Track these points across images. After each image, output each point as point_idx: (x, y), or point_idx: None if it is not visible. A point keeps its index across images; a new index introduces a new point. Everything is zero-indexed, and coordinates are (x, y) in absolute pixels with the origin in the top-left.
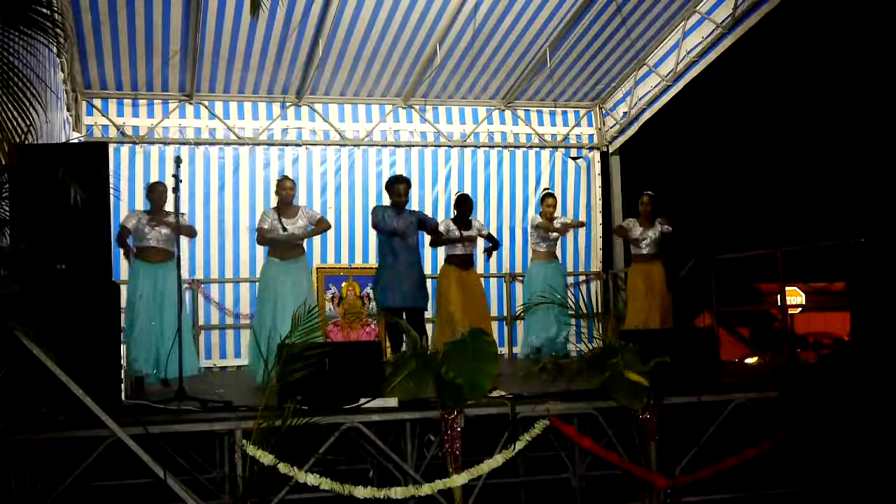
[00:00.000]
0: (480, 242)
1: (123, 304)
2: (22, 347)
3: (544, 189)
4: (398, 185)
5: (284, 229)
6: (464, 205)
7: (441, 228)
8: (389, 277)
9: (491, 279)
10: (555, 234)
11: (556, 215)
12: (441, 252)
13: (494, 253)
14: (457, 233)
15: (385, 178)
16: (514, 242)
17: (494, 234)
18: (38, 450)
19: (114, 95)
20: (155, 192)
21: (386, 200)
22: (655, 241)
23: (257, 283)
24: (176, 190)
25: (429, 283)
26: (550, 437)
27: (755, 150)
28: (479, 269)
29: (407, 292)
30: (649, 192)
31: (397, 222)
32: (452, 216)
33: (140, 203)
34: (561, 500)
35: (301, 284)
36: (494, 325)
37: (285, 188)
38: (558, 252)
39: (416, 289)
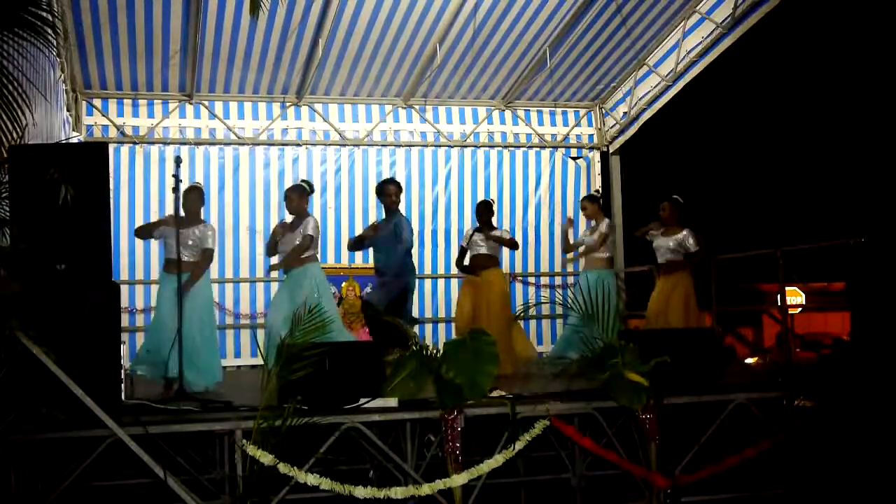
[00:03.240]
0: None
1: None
2: (22, 347)
3: (596, 190)
4: (388, 186)
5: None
6: (485, 212)
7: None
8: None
9: None
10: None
11: (592, 223)
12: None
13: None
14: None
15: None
16: None
17: None
18: (38, 450)
19: (114, 95)
20: (189, 198)
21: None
22: (670, 250)
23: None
24: (176, 190)
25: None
26: (550, 437)
27: (755, 150)
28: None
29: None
30: (674, 198)
31: (377, 231)
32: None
33: (140, 204)
34: (561, 500)
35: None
36: None
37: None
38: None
39: (387, 304)
